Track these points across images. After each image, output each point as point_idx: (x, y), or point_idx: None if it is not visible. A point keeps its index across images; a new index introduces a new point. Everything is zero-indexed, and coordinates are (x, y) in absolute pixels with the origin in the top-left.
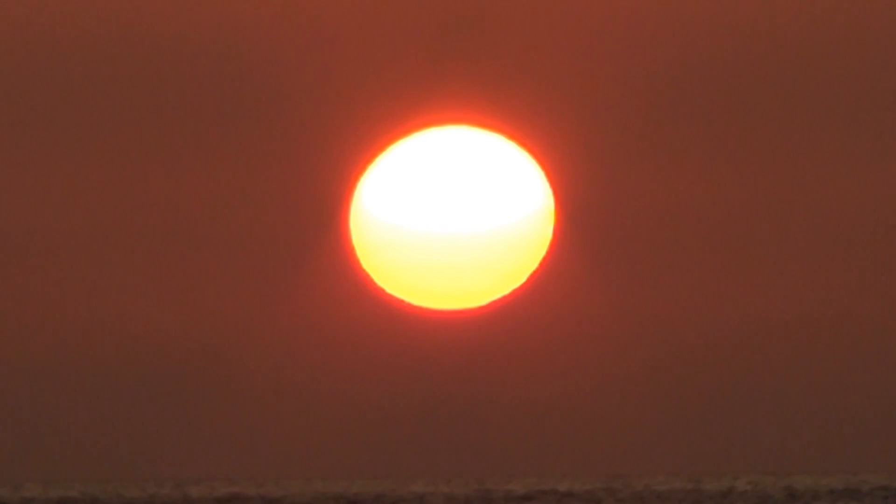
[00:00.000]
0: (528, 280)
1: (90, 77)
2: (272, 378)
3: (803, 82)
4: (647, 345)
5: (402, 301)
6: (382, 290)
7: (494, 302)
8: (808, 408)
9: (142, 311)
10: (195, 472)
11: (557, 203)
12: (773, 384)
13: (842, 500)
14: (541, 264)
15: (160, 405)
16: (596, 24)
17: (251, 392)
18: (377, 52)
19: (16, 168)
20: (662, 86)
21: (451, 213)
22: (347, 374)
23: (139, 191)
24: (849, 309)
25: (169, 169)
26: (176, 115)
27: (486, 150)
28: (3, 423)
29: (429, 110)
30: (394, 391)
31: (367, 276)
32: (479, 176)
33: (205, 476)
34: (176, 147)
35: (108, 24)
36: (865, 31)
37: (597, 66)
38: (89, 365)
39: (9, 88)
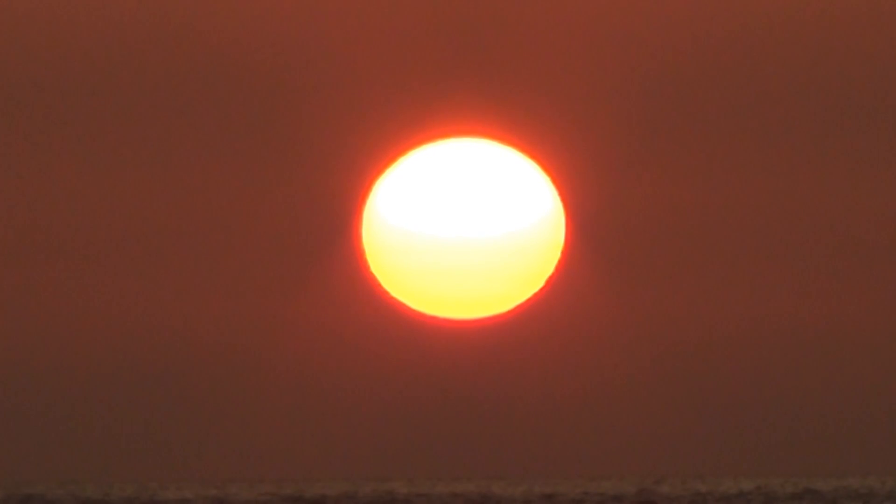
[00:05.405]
0: (543, 288)
1: (111, 81)
2: (283, 378)
3: (806, 92)
4: (662, 346)
5: (411, 307)
6: (390, 295)
7: (511, 310)
8: (813, 411)
9: (156, 312)
10: (200, 472)
11: (567, 211)
12: (782, 386)
13: (844, 500)
14: (554, 272)
15: (168, 405)
16: (600, 37)
17: (261, 392)
18: (392, 68)
19: (37, 170)
20: (666, 95)
21: (463, 221)
22: (357, 377)
23: (157, 195)
24: (852, 314)
25: (191, 174)
26: (199, 123)
27: (495, 161)
28: (18, 423)
29: (441, 122)
30: (403, 394)
31: (377, 281)
32: (490, 185)
33: (210, 476)
34: (198, 153)
35: (133, 31)
36: (864, 40)
37: (601, 79)
38: (98, 363)
39: (25, 89)
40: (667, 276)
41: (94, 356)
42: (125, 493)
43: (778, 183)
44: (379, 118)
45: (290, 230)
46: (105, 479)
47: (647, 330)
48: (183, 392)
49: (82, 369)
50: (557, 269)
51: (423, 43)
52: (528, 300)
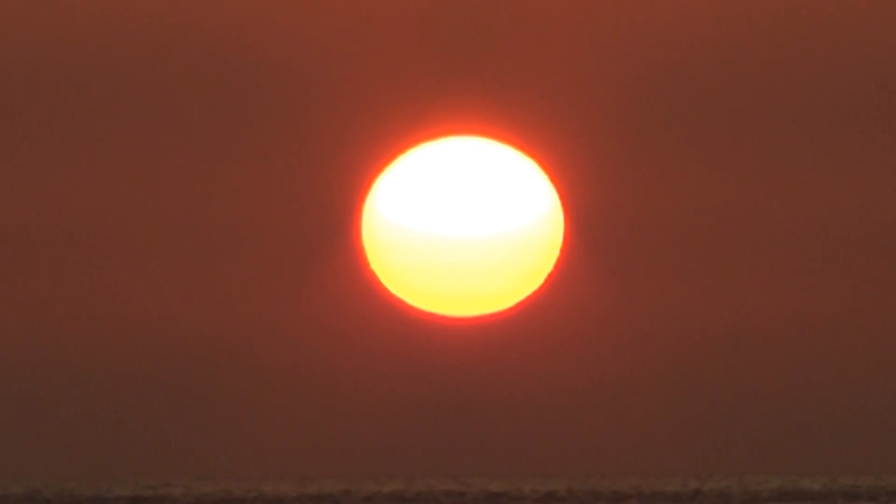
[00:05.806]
0: (542, 285)
1: (111, 81)
2: (282, 375)
3: (806, 92)
4: (661, 344)
5: (411, 304)
6: (390, 292)
7: (510, 307)
8: (814, 409)
9: (155, 311)
10: (199, 470)
11: (565, 209)
12: (782, 384)
13: (842, 499)
14: (553, 270)
15: (168, 403)
16: (599, 36)
17: (261, 389)
18: (392, 67)
19: (37, 170)
20: (665, 94)
21: (462, 219)
22: (356, 374)
23: (156, 194)
24: (852, 313)
25: (190, 172)
26: (199, 122)
27: (494, 160)
28: (19, 423)
29: (440, 121)
30: (402, 391)
31: (377, 278)
32: (489, 184)
33: (209, 474)
34: (198, 152)
35: (131, 30)
36: (861, 41)
37: (599, 78)
38: (97, 362)
39: (27, 88)
40: (665, 275)
41: (94, 355)
42: (125, 492)
43: (776, 182)
44: (379, 116)
45: (290, 228)
46: (105, 478)
47: (645, 328)
48: (182, 390)
49: (82, 368)
50: (556, 267)
51: (423, 42)
52: (527, 298)
